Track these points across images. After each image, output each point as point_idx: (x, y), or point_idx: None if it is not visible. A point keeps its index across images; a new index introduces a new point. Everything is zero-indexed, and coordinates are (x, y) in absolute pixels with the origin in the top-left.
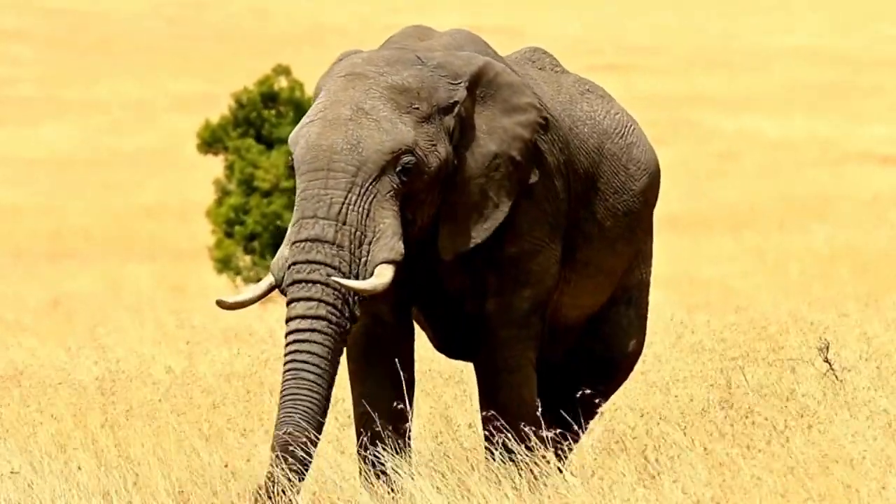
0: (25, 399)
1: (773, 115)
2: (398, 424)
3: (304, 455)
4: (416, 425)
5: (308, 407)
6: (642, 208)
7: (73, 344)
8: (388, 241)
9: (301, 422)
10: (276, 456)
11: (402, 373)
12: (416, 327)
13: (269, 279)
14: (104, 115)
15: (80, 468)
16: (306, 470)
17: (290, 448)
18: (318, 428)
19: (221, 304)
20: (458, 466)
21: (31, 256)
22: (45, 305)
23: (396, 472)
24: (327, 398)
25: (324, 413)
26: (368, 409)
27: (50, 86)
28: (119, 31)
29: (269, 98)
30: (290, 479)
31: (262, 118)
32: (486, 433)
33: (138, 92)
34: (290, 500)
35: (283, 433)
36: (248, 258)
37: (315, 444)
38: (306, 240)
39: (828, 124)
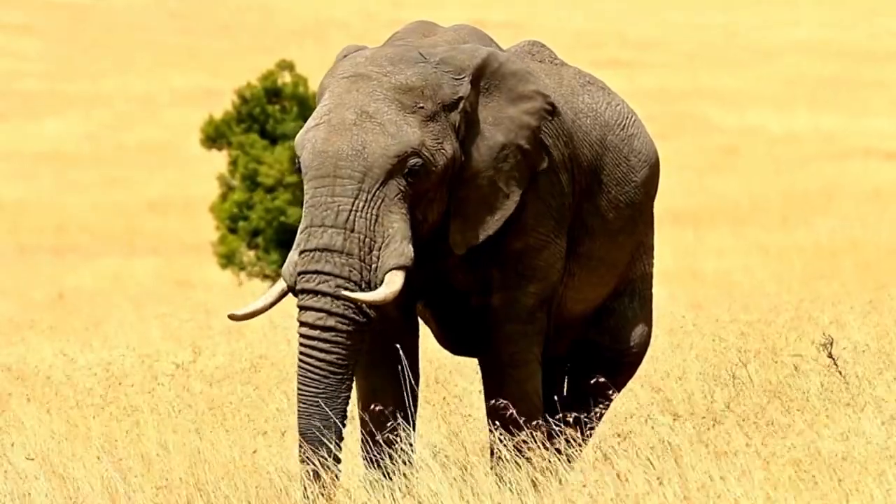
0: (30, 394)
1: (775, 110)
2: (402, 419)
3: (327, 454)
4: (421, 420)
5: (322, 410)
6: (643, 200)
7: (77, 339)
8: (397, 246)
9: (318, 427)
10: (302, 460)
11: (406, 368)
12: (422, 323)
13: (280, 285)
14: (108, 110)
15: (83, 465)
16: (336, 462)
17: (312, 450)
18: (335, 426)
19: (233, 318)
20: (462, 462)
21: (36, 251)
22: (50, 300)
23: (400, 468)
24: (341, 399)
25: (340, 412)
26: (372, 404)
27: (54, 80)
28: (123, 25)
29: (273, 93)
30: (320, 475)
31: (265, 113)
32: (492, 428)
33: (142, 87)
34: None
35: (302, 440)
36: (251, 253)
37: (335, 439)
38: (315, 249)
39: (831, 119)
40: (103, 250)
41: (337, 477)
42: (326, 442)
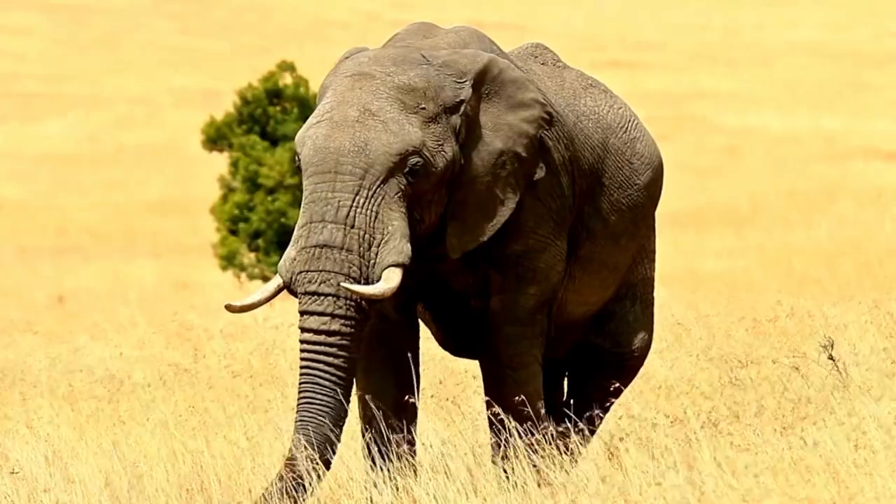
0: (30, 396)
1: (776, 111)
2: (403, 421)
3: (323, 459)
4: (422, 422)
5: (325, 412)
6: (646, 203)
7: (77, 341)
8: (396, 243)
9: (320, 426)
10: (292, 454)
11: (407, 369)
12: (422, 324)
13: (276, 280)
14: (108, 111)
15: (84, 466)
16: (327, 468)
17: (310, 453)
18: (338, 427)
19: (230, 309)
20: (463, 463)
21: (36, 253)
22: (50, 302)
23: (401, 468)
24: (345, 402)
25: (343, 416)
26: (374, 405)
27: (54, 81)
28: (123, 26)
29: (274, 95)
30: (308, 475)
31: (266, 115)
32: (492, 430)
33: (142, 88)
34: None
35: (302, 439)
36: (252, 255)
37: (334, 446)
38: (315, 245)
39: (832, 119)
40: (103, 252)
41: (318, 481)
42: (328, 447)
